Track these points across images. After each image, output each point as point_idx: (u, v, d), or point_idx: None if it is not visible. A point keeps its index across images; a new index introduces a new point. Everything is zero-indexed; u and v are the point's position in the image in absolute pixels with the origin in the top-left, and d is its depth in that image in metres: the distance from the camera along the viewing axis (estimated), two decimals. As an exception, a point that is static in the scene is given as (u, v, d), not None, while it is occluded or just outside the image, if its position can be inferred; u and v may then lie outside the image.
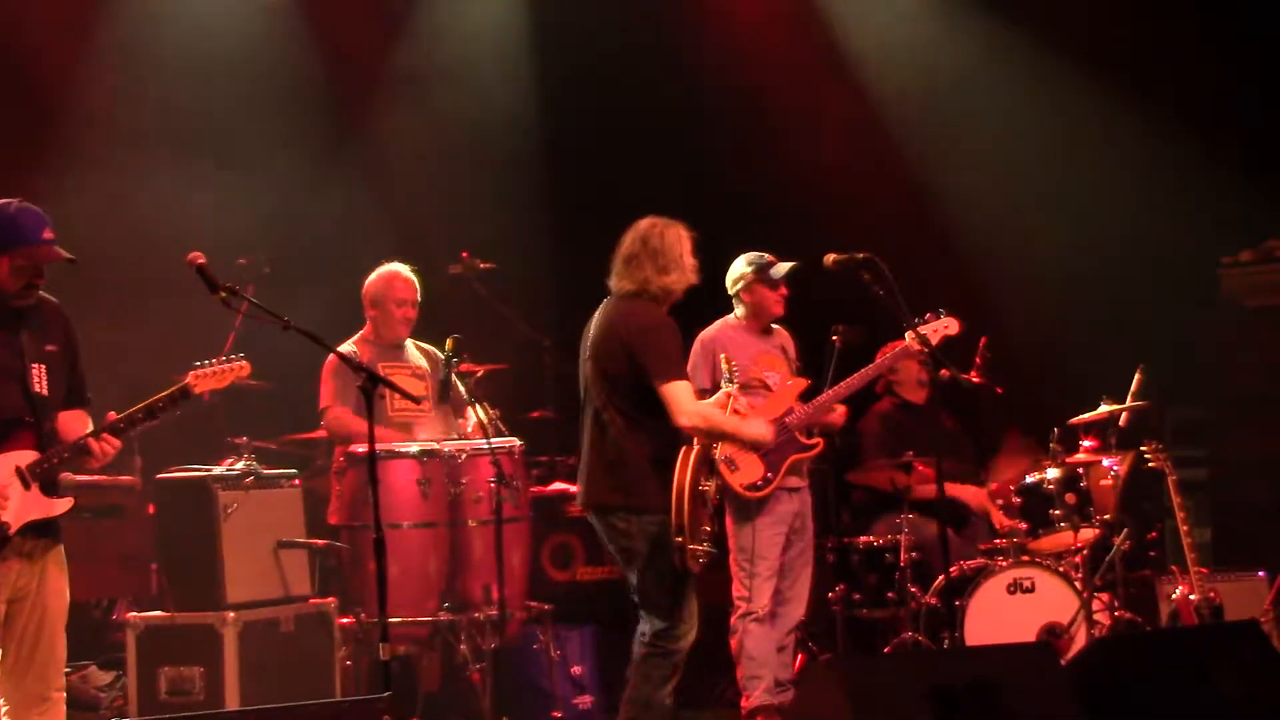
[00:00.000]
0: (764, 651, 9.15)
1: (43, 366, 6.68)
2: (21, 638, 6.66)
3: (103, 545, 7.31)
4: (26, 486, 6.59)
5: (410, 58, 12.29)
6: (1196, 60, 11.64)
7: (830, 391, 9.34)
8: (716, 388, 9.02)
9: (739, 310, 9.44)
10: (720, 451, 8.63)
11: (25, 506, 6.59)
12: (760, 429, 8.21)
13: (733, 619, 9.21)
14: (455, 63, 12.30)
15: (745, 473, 9.06)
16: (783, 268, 9.30)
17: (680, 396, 7.63)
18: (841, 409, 9.45)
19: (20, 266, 6.56)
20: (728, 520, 9.20)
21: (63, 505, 6.74)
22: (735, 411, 8.21)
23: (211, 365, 6.94)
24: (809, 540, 9.44)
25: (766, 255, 9.36)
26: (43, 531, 6.69)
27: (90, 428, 6.76)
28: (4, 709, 6.67)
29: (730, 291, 9.44)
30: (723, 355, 8.61)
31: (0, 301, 6.60)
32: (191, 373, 6.90)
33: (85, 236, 7.54)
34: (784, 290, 9.37)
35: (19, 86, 10.83)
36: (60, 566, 6.78)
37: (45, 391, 6.67)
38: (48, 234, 6.61)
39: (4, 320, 6.62)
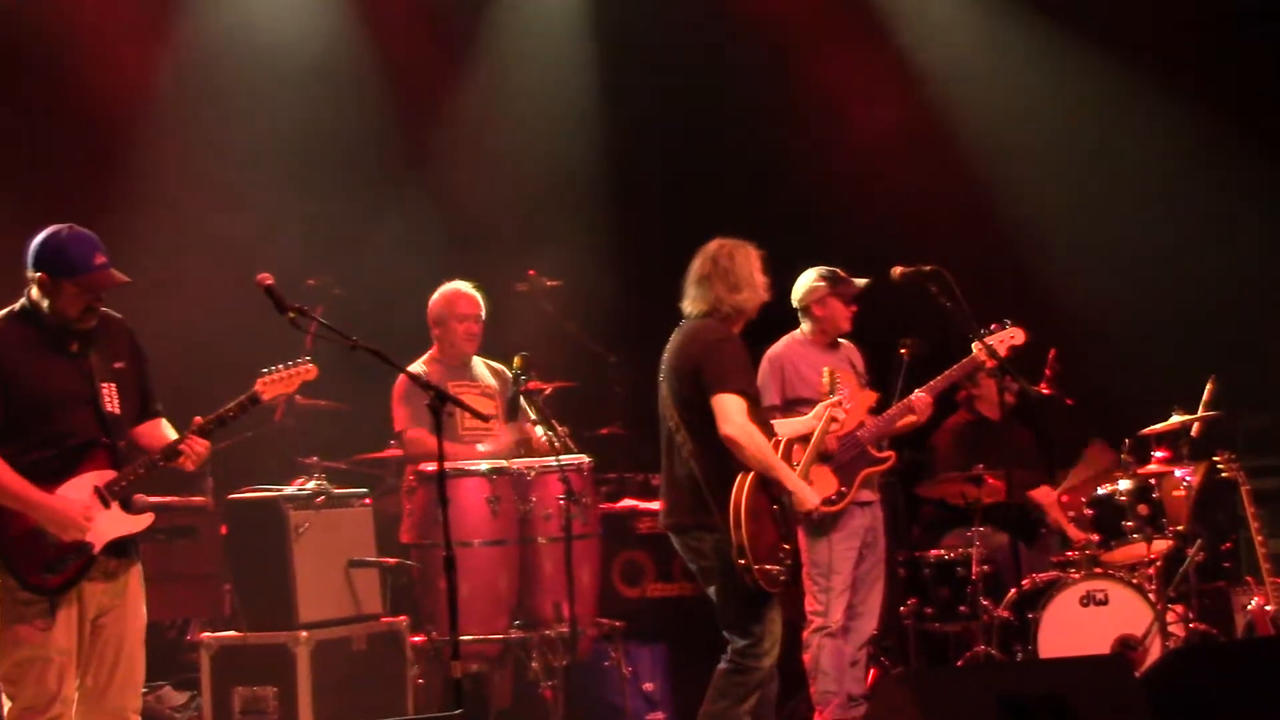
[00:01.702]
0: (837, 666, 9.13)
1: (113, 385, 6.74)
2: (103, 658, 6.71)
3: (176, 566, 7.37)
4: (106, 505, 6.65)
5: (476, 76, 12.31)
6: (1261, 60, 11.57)
7: (900, 404, 9.31)
8: (786, 403, 9.02)
9: (806, 325, 9.41)
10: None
11: (107, 525, 6.65)
12: (805, 492, 7.95)
13: (805, 634, 9.19)
14: (521, 80, 12.32)
15: (819, 487, 9.03)
16: (857, 283, 9.29)
17: (729, 407, 7.65)
18: (924, 401, 9.34)
19: (74, 293, 6.61)
20: (800, 535, 9.18)
21: (143, 521, 6.80)
22: (834, 420, 8.23)
23: (278, 371, 6.98)
24: (881, 554, 9.41)
25: (839, 270, 9.34)
26: (123, 550, 6.75)
27: (171, 433, 6.84)
28: None
29: (798, 305, 9.40)
30: (825, 368, 8.56)
31: (62, 326, 6.65)
32: (259, 379, 6.94)
33: (155, 267, 7.60)
34: (854, 307, 9.35)
35: (86, 121, 10.91)
36: (140, 586, 6.84)
37: (117, 410, 6.73)
38: (99, 259, 6.65)
39: (69, 344, 6.68)
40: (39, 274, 6.62)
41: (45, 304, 6.63)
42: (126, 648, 6.76)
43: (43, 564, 6.53)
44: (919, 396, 9.28)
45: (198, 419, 6.78)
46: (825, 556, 9.13)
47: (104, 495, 6.63)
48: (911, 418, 9.37)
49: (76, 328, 6.66)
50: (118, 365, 6.78)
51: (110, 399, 6.71)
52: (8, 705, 6.63)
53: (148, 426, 6.93)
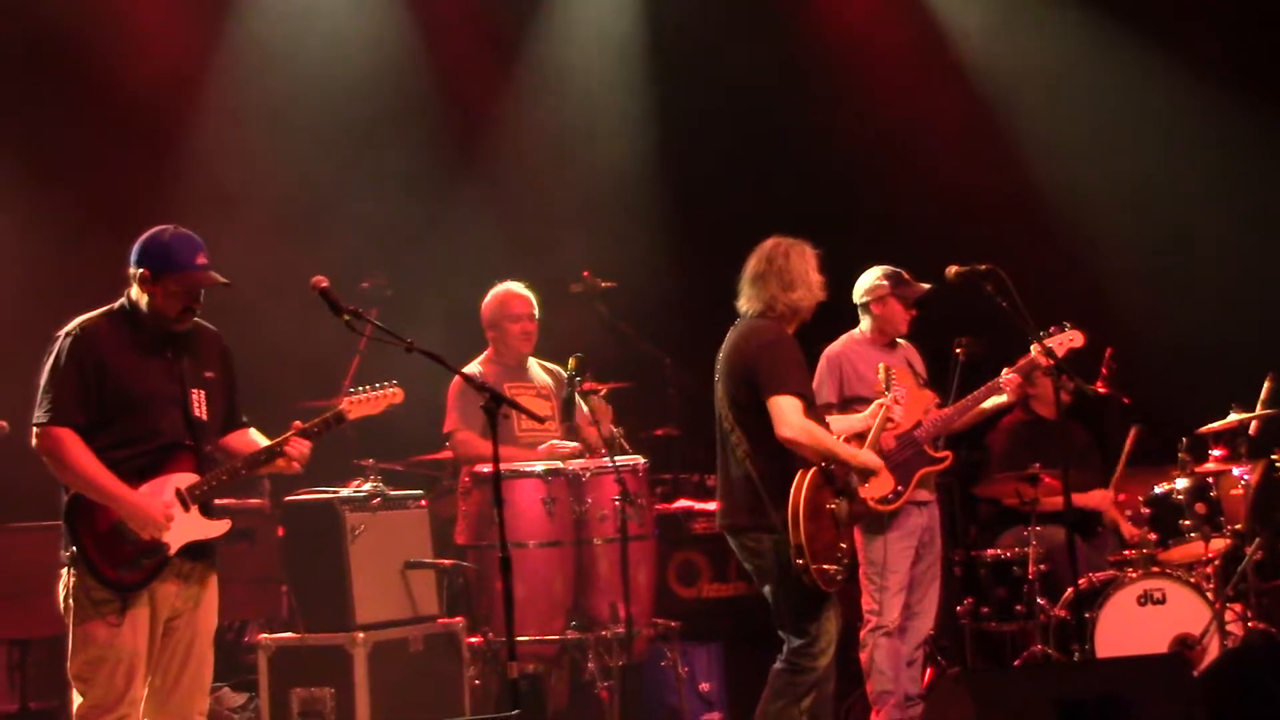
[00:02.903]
0: (894, 666, 9.11)
1: (202, 392, 6.82)
2: (172, 659, 6.77)
3: (233, 568, 7.42)
4: (186, 508, 6.71)
5: (530, 78, 12.34)
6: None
7: (958, 404, 9.29)
8: (844, 402, 9.01)
9: (865, 324, 9.39)
10: None
11: (185, 528, 6.71)
12: (869, 458, 8.09)
13: (862, 633, 9.18)
14: (573, 81, 12.35)
15: (875, 486, 9.02)
16: (921, 287, 9.26)
17: (785, 409, 7.64)
18: (1014, 382, 9.30)
19: (175, 292, 6.69)
20: (857, 534, 9.17)
21: (220, 528, 6.86)
22: (889, 419, 8.25)
23: (366, 392, 7.04)
24: (937, 554, 9.39)
25: (903, 272, 9.32)
26: (200, 554, 6.81)
27: (263, 441, 6.92)
28: None
29: (859, 301, 9.37)
30: (881, 365, 8.57)
31: (159, 327, 6.72)
32: (347, 399, 7.01)
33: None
34: (915, 311, 9.33)
35: (138, 121, 10.98)
36: (213, 591, 6.91)
37: (204, 416, 6.81)
38: (201, 259, 6.74)
39: (164, 347, 6.76)
40: (141, 270, 6.71)
41: (144, 301, 6.72)
42: (196, 650, 6.82)
43: (121, 560, 6.59)
44: (1009, 377, 9.23)
45: (297, 424, 6.89)
46: (881, 555, 9.11)
47: (185, 498, 6.70)
48: (1001, 398, 9.32)
49: (173, 329, 6.73)
50: (208, 374, 6.87)
51: (199, 404, 6.79)
52: (77, 701, 6.69)
53: (236, 436, 7.02)
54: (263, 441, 6.95)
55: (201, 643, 6.84)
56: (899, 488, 9.07)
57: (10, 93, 10.73)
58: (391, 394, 7.11)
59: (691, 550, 10.64)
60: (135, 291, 6.75)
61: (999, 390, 9.27)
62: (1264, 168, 11.70)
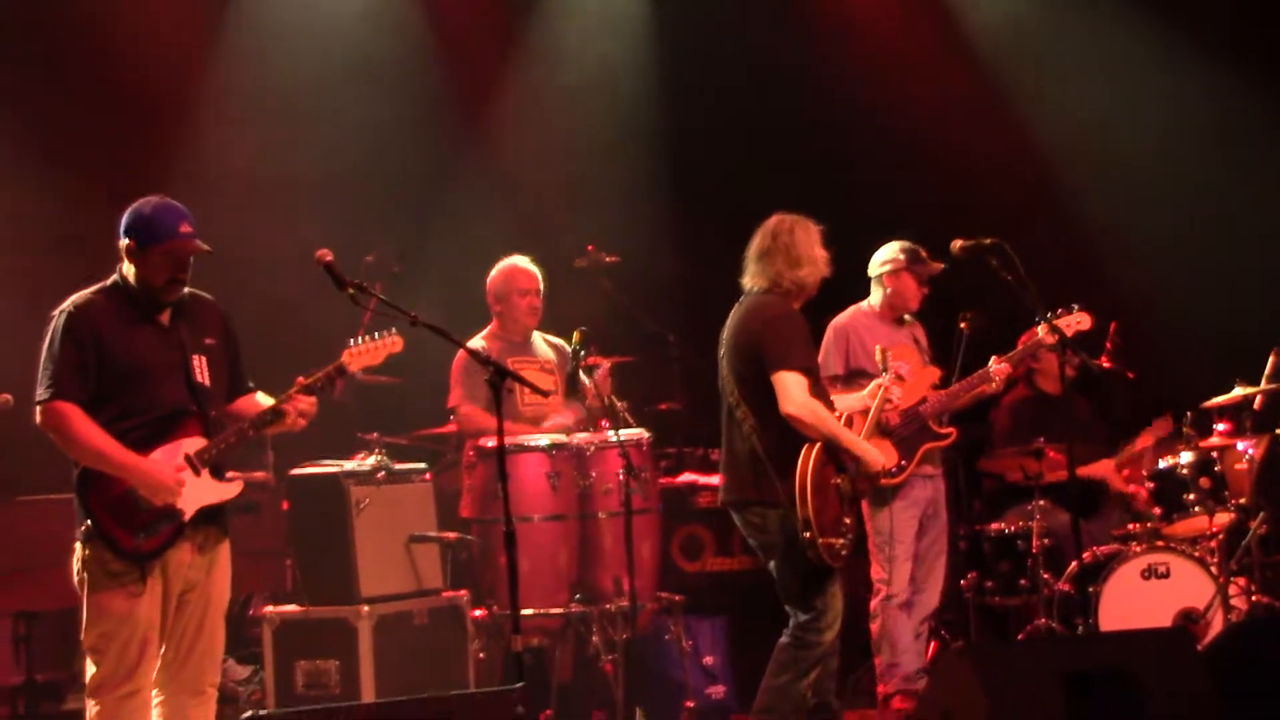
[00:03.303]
0: (906, 639, 9.14)
1: (203, 358, 6.82)
2: (185, 630, 6.79)
3: (238, 541, 7.40)
4: (197, 473, 6.72)
5: (533, 52, 12.32)
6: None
7: (954, 388, 9.29)
8: (849, 374, 9.02)
9: (875, 297, 9.41)
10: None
11: (198, 492, 6.72)
12: (870, 455, 7.99)
13: (873, 604, 9.21)
14: (580, 55, 12.33)
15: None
16: (936, 266, 9.27)
17: (790, 385, 7.65)
18: (1003, 371, 9.31)
19: (160, 262, 6.69)
20: (864, 504, 9.18)
21: (233, 489, 6.88)
22: (887, 400, 8.30)
23: (365, 343, 7.02)
24: (943, 528, 9.41)
25: (921, 250, 9.33)
26: (214, 520, 6.83)
27: (268, 402, 6.93)
28: (158, 700, 6.78)
29: (873, 274, 9.39)
30: (878, 346, 8.58)
31: (150, 297, 6.73)
32: (346, 351, 6.99)
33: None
34: (927, 289, 9.34)
35: (140, 99, 10.98)
36: (226, 560, 6.93)
37: (207, 382, 6.82)
38: (185, 228, 6.73)
39: (159, 315, 6.76)
40: (127, 241, 6.72)
41: (132, 272, 6.72)
42: (208, 621, 6.84)
43: (136, 528, 6.61)
44: (998, 367, 9.24)
45: (300, 379, 6.87)
46: (887, 524, 9.14)
47: (194, 463, 6.70)
48: (987, 387, 9.34)
49: (162, 299, 6.74)
50: (209, 341, 6.88)
51: (201, 370, 6.80)
52: (91, 672, 6.71)
53: (243, 401, 7.03)
54: (269, 403, 6.95)
55: (214, 614, 6.85)
56: (903, 462, 9.09)
57: (12, 71, 10.72)
58: (391, 342, 7.08)
59: (696, 524, 10.64)
60: (125, 264, 6.76)
61: (988, 379, 9.28)
62: (1269, 142, 11.68)
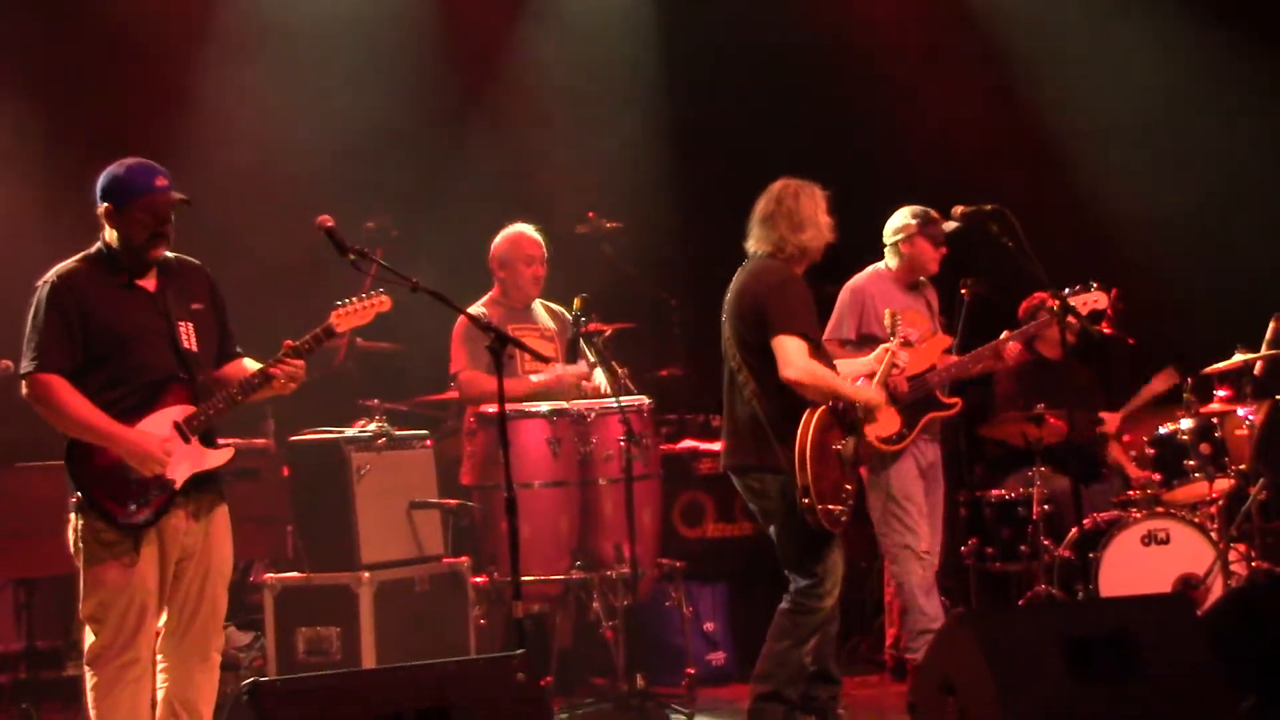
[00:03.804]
0: (933, 602, 9.13)
1: (190, 324, 6.80)
2: (185, 597, 6.79)
3: (238, 508, 7.40)
4: (186, 440, 6.71)
5: (535, 17, 12.28)
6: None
7: (972, 355, 9.28)
8: (861, 339, 9.02)
9: (891, 261, 9.41)
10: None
11: (188, 460, 6.72)
12: (871, 394, 8.09)
13: (887, 572, 9.22)
14: (583, 21, 12.28)
15: (882, 425, 9.04)
16: (949, 225, 9.25)
17: (790, 350, 7.64)
18: (1014, 349, 9.32)
19: (140, 219, 6.66)
20: (863, 472, 9.19)
21: (223, 456, 6.86)
22: (894, 365, 8.27)
23: (352, 303, 6.99)
24: (941, 494, 9.42)
25: (931, 211, 9.32)
26: (207, 486, 6.82)
27: (256, 367, 6.90)
28: (163, 666, 6.79)
29: (888, 241, 9.40)
30: (888, 311, 8.57)
31: (135, 260, 6.71)
32: (334, 312, 6.96)
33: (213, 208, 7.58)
34: (944, 250, 9.33)
35: (145, 58, 10.95)
36: (225, 524, 6.92)
37: (194, 348, 6.79)
38: (161, 181, 6.70)
39: (144, 279, 6.74)
40: (105, 205, 6.69)
41: (114, 235, 6.69)
42: (209, 588, 6.84)
43: (126, 498, 6.60)
44: (1010, 345, 9.23)
45: (288, 342, 6.83)
46: (898, 485, 9.14)
47: (183, 430, 6.69)
48: (997, 364, 9.34)
49: (146, 257, 6.71)
50: (196, 306, 6.85)
51: (188, 336, 6.77)
52: (89, 641, 6.71)
53: (231, 366, 7.00)
54: (258, 368, 6.92)
55: (215, 579, 6.85)
56: (904, 429, 9.09)
57: (15, 28, 10.69)
58: (379, 302, 7.04)
59: (697, 490, 10.64)
60: (107, 232, 6.73)
61: (1000, 358, 9.27)
62: (1270, 107, 11.66)
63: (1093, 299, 9.17)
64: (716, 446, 8.57)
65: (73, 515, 6.69)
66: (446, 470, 9.34)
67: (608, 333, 9.37)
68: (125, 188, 6.68)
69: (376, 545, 8.68)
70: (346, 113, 11.40)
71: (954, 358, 9.26)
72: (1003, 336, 9.29)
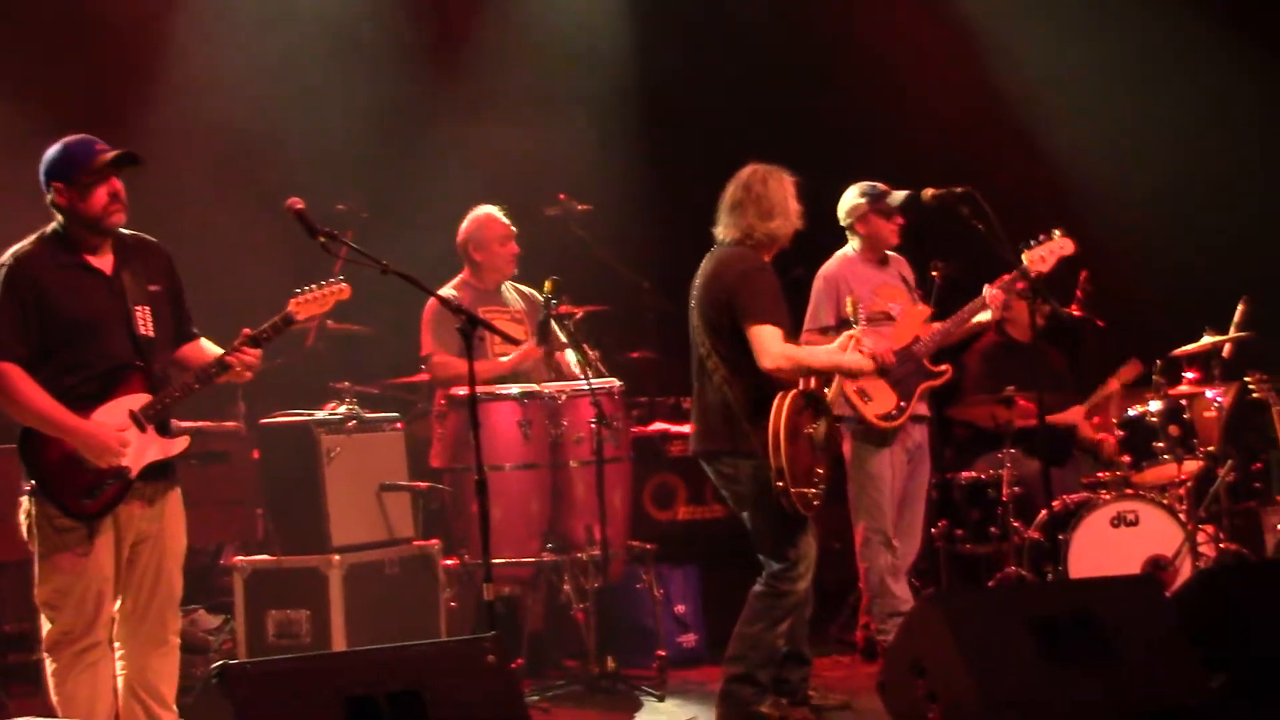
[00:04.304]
0: (901, 586, 9.15)
1: (147, 308, 6.76)
2: (141, 581, 6.77)
3: (208, 491, 7.39)
4: (142, 429, 6.68)
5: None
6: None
7: (951, 320, 9.28)
8: (840, 324, 9.01)
9: (854, 243, 9.41)
10: (852, 383, 8.70)
11: (144, 449, 6.70)
12: (857, 359, 8.07)
13: (859, 550, 9.23)
14: (552, 2, 12.25)
15: (879, 403, 9.08)
16: (897, 196, 9.24)
17: (765, 339, 7.62)
18: (998, 299, 9.29)
19: (91, 184, 6.62)
20: (848, 450, 9.20)
21: (179, 444, 6.84)
22: (858, 352, 8.18)
23: (311, 290, 6.98)
24: (926, 474, 9.45)
25: (879, 184, 9.31)
26: (161, 473, 6.80)
27: (216, 351, 6.87)
28: (121, 652, 6.78)
29: (844, 223, 9.40)
30: (848, 298, 8.57)
31: (95, 231, 6.67)
32: (293, 299, 6.95)
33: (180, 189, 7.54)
34: (899, 220, 9.33)
35: (108, 32, 10.86)
36: (178, 509, 6.90)
37: (151, 333, 6.76)
38: (100, 146, 6.68)
39: (100, 257, 6.70)
40: (54, 185, 6.65)
41: (71, 214, 6.65)
42: (165, 571, 6.82)
43: (81, 490, 6.57)
44: (993, 293, 9.19)
45: (246, 330, 6.82)
46: (878, 469, 9.15)
47: (139, 419, 6.66)
48: (983, 315, 9.30)
49: (105, 226, 6.67)
50: (153, 288, 6.81)
51: (144, 322, 6.73)
52: (47, 628, 6.69)
53: (189, 348, 6.98)
54: (215, 352, 6.90)
55: (170, 563, 6.83)
56: (902, 403, 9.13)
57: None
58: (339, 289, 7.03)
59: (667, 473, 10.66)
60: (59, 217, 6.69)
61: (984, 306, 9.25)
62: (1235, 87, 11.70)
63: (1059, 245, 9.13)
64: (687, 429, 8.58)
65: (26, 500, 6.67)
66: (417, 453, 9.34)
67: (579, 315, 9.37)
68: (71, 162, 6.64)
69: (347, 528, 8.67)
70: (313, 97, 11.34)
71: (937, 325, 9.26)
72: (985, 289, 9.25)
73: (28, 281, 6.59)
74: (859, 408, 9.09)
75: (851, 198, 9.36)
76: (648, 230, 11.86)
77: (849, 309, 8.47)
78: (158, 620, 6.81)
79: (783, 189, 7.90)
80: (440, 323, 9.20)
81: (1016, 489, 9.70)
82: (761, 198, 7.85)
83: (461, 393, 8.66)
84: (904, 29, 12.32)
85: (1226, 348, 10.06)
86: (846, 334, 8.29)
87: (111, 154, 6.66)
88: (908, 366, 9.12)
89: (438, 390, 9.39)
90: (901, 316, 9.22)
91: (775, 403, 7.61)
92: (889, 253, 9.46)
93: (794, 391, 7.68)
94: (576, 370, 9.17)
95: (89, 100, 10.47)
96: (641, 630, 9.44)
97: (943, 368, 9.33)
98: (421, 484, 9.04)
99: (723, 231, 7.95)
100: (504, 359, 9.25)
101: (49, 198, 6.68)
